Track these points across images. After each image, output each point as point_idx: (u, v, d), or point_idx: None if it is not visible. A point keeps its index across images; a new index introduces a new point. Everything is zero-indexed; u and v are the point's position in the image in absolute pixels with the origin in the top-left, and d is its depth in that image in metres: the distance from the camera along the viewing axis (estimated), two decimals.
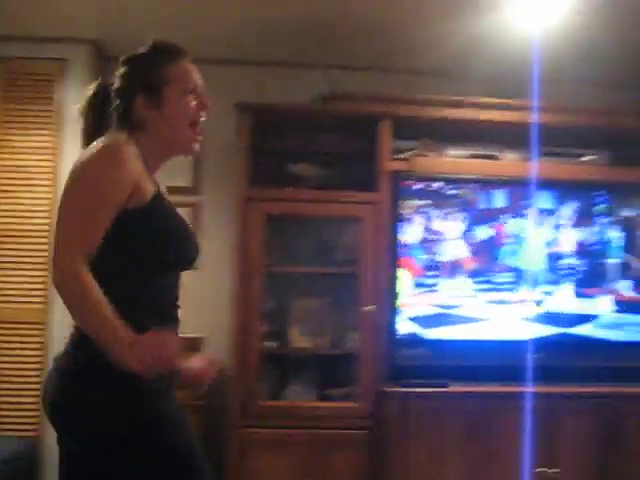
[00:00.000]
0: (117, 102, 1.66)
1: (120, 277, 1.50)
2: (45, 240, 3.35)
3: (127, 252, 1.51)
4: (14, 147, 3.41)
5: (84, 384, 1.47)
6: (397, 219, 3.17)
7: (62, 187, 3.37)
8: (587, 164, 3.41)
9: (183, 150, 1.72)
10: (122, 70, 1.69)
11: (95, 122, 1.71)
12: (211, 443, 3.23)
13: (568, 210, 3.30)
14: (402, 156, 3.28)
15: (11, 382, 3.29)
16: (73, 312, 1.43)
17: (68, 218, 1.47)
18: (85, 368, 1.48)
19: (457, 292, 3.18)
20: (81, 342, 1.47)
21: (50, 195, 3.39)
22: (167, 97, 1.64)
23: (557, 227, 3.29)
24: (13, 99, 3.43)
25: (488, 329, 3.19)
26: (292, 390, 3.15)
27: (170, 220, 1.61)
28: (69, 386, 1.49)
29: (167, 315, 1.60)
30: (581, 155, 3.43)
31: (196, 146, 1.72)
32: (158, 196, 1.58)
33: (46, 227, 3.36)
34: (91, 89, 1.74)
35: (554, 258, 3.27)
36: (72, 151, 3.41)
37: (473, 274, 3.20)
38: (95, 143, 1.55)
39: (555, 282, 3.27)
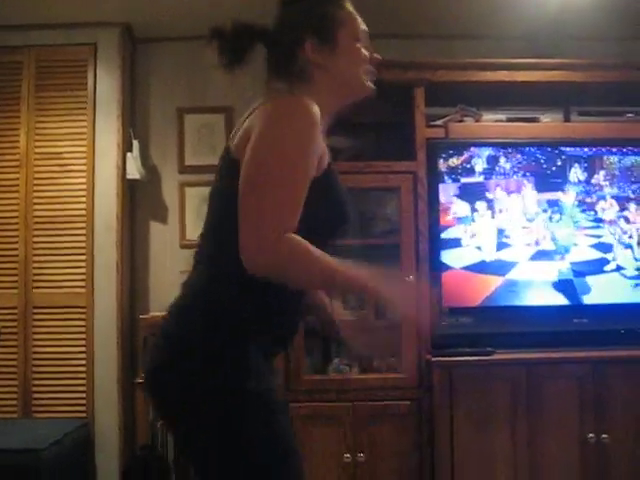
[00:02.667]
0: (278, 48, 1.50)
1: None
2: (83, 225, 3.39)
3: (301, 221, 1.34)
4: (49, 134, 3.43)
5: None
6: (435, 186, 3.12)
7: (97, 171, 3.42)
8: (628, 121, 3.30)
9: (358, 91, 1.56)
10: (285, 11, 1.53)
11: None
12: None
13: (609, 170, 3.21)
14: (438, 123, 3.22)
15: (59, 366, 3.35)
16: (307, 285, 1.39)
17: (272, 189, 1.30)
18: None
19: (505, 256, 3.13)
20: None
21: (86, 180, 3.41)
22: (341, 42, 1.50)
23: (599, 189, 3.20)
24: (46, 87, 3.45)
25: (535, 294, 3.14)
26: (336, 363, 3.14)
27: (340, 189, 1.49)
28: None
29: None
30: (624, 113, 3.33)
31: (371, 85, 1.57)
32: (330, 162, 1.46)
33: (83, 212, 3.40)
34: (226, 29, 1.51)
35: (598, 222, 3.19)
36: (106, 136, 3.44)
37: (520, 240, 3.14)
38: (270, 102, 1.39)
39: (603, 246, 3.19)
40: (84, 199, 3.42)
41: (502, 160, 3.16)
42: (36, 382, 3.33)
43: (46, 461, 2.78)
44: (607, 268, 3.17)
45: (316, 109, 1.37)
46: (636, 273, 3.18)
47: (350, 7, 1.55)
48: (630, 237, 3.19)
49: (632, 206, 3.20)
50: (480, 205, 3.14)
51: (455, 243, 3.12)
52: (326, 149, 1.45)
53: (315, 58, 1.48)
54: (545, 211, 3.16)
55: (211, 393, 1.34)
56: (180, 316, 1.42)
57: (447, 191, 3.13)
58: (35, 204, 3.40)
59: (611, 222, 3.19)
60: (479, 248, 3.12)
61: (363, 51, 1.54)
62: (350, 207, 1.53)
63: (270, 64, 1.53)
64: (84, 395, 3.30)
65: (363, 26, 1.56)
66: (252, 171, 1.32)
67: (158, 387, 1.40)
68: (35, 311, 3.37)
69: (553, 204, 3.17)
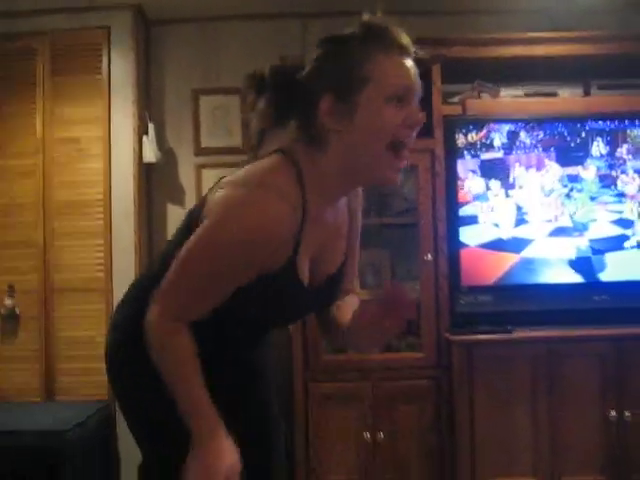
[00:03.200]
0: (299, 100, 1.25)
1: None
2: (101, 209, 3.40)
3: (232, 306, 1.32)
4: (65, 119, 3.44)
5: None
6: (453, 164, 3.09)
7: (113, 156, 3.42)
8: None
9: (377, 180, 1.28)
10: (315, 54, 1.26)
11: (276, 116, 1.31)
12: (278, 399, 3.28)
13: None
14: (455, 100, 3.18)
15: (81, 349, 3.38)
16: (161, 371, 1.31)
17: (184, 277, 1.28)
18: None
19: (521, 233, 3.10)
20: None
21: (102, 165, 3.42)
22: (363, 102, 1.20)
23: (622, 163, 3.15)
24: (61, 71, 3.44)
25: (553, 271, 3.11)
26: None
27: (288, 292, 1.34)
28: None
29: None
30: None
31: (397, 176, 1.28)
32: (289, 264, 1.29)
33: (101, 196, 3.41)
34: (265, 72, 1.31)
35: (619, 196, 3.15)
36: (121, 120, 3.44)
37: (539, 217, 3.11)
38: (254, 168, 1.26)
39: (623, 222, 3.15)
40: (101, 183, 3.43)
41: (522, 135, 3.11)
42: (58, 365, 3.37)
43: (70, 442, 2.81)
44: (627, 244, 3.13)
45: (284, 207, 1.21)
46: None
47: (398, 56, 1.24)
48: None
49: None
50: (498, 182, 3.10)
51: (472, 220, 3.09)
52: (287, 254, 1.28)
53: (329, 120, 1.22)
54: (565, 186, 3.12)
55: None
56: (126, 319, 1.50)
57: (465, 168, 3.09)
58: (53, 189, 3.41)
59: (632, 197, 3.14)
60: (497, 225, 3.10)
61: (396, 116, 1.22)
62: (295, 309, 1.45)
63: (294, 116, 1.29)
64: (105, 377, 3.32)
65: (406, 79, 1.23)
66: (182, 255, 1.29)
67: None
68: (56, 295, 3.40)
69: (573, 179, 3.13)
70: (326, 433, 3.03)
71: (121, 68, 3.46)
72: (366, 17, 1.28)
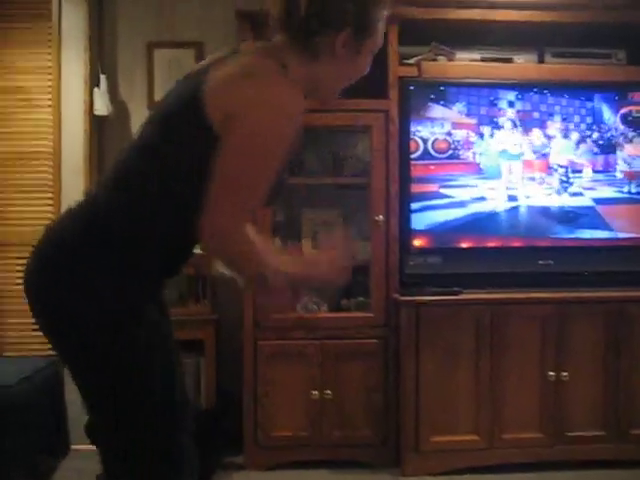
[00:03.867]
0: (316, 19, 1.40)
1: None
2: (49, 163, 3.33)
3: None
4: (13, 67, 3.34)
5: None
6: (407, 126, 3.10)
7: (63, 106, 3.34)
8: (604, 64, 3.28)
9: (324, 100, 1.60)
10: None
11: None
12: (228, 356, 3.31)
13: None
14: (411, 61, 3.17)
15: (22, 304, 3.32)
16: (243, 272, 1.45)
17: (235, 187, 1.35)
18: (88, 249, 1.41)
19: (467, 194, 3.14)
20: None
21: (52, 116, 3.34)
22: (364, 50, 1.47)
23: (570, 130, 3.21)
24: (8, 18, 3.34)
25: (502, 235, 3.17)
26: (305, 302, 3.16)
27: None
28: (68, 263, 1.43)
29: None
30: (599, 55, 3.29)
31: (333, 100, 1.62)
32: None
33: (50, 149, 3.33)
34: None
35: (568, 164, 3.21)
36: (72, 70, 3.35)
37: (486, 177, 3.15)
38: (267, 65, 1.38)
39: (567, 182, 3.21)
40: (50, 135, 3.36)
41: (476, 99, 3.14)
42: (5, 320, 3.32)
43: (16, 397, 2.79)
44: (573, 211, 3.21)
45: (300, 106, 1.39)
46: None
47: (385, 17, 1.50)
48: None
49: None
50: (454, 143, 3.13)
51: (424, 180, 3.12)
52: None
53: (340, 50, 1.43)
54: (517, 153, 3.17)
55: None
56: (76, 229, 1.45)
57: (419, 130, 3.11)
58: None
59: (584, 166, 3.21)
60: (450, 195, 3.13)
61: (368, 65, 1.52)
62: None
63: (290, 23, 1.43)
64: None
65: (381, 41, 1.52)
66: (233, 167, 1.35)
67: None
68: (1, 249, 3.33)
69: (529, 144, 3.17)
70: (274, 390, 3.06)
71: (72, 16, 3.37)
72: None
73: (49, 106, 3.34)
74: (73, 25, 3.36)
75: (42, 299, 1.47)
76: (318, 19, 1.41)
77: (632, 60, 3.30)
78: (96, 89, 3.38)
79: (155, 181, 1.41)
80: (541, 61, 3.29)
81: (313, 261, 1.52)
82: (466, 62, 3.22)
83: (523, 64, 3.26)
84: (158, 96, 3.52)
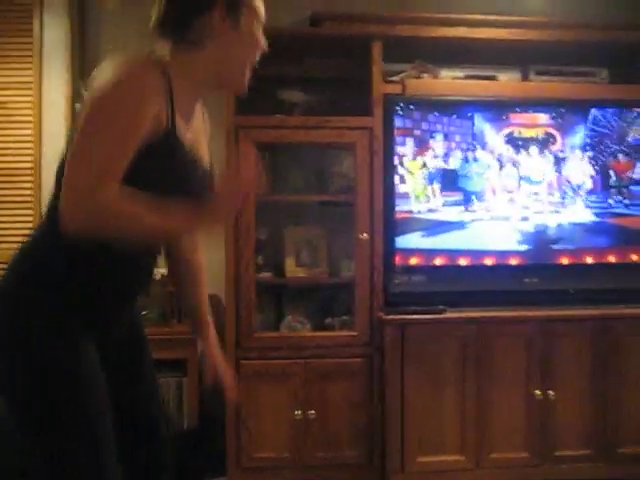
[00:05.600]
0: (184, 5, 1.44)
1: None
2: (30, 178, 3.28)
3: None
4: None
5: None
6: (391, 144, 3.08)
7: (44, 122, 3.30)
8: (587, 82, 3.29)
9: (234, 85, 1.55)
10: None
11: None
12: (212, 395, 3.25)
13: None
14: (395, 79, 3.17)
15: None
16: (127, 233, 1.35)
17: (95, 145, 1.31)
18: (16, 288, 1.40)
19: (453, 214, 3.13)
20: (18, 261, 1.43)
21: (32, 131, 3.29)
22: (244, 21, 1.47)
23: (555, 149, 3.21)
24: None
25: (485, 253, 3.16)
26: (289, 321, 3.13)
27: (178, 160, 1.46)
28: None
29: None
30: (580, 73, 3.31)
31: (246, 86, 1.56)
32: (171, 127, 1.42)
33: (30, 164, 3.29)
34: None
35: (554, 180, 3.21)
36: (53, 85, 3.31)
37: (469, 197, 3.14)
38: (120, 61, 1.38)
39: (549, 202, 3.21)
40: (31, 151, 3.31)
41: (460, 117, 3.14)
42: None
43: None
44: (555, 229, 3.20)
45: (153, 84, 1.36)
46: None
47: None
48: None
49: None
50: (437, 162, 3.12)
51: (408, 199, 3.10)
52: (166, 119, 1.40)
53: (218, 27, 1.44)
54: (502, 167, 3.17)
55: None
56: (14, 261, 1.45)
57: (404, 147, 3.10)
58: None
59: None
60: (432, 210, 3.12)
61: (261, 38, 1.52)
62: (189, 178, 1.49)
63: (166, 18, 1.46)
64: None
65: (264, 15, 1.54)
66: (81, 125, 1.34)
67: None
68: None
69: (512, 163, 3.17)
70: (257, 411, 3.02)
71: (54, 31, 3.33)
72: None
73: (30, 122, 3.30)
74: (55, 40, 3.33)
75: None
76: (181, 6, 1.43)
77: (614, 79, 3.32)
78: (77, 105, 3.34)
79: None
80: (525, 79, 3.30)
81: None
82: (450, 79, 3.22)
83: (507, 82, 3.26)
84: None
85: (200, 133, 1.61)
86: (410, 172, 3.09)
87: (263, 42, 1.53)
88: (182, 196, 1.41)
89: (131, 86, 1.34)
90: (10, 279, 1.42)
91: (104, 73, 1.38)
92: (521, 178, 3.18)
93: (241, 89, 1.54)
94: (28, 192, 3.29)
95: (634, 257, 3.23)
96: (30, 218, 3.29)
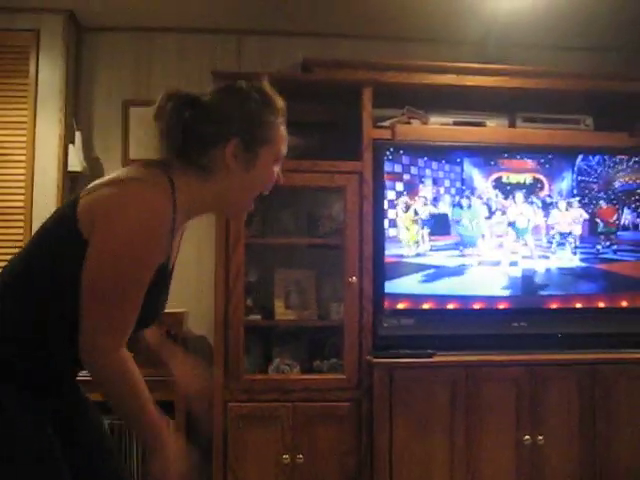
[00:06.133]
0: (201, 130, 1.38)
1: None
2: (21, 217, 3.29)
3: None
4: None
5: None
6: (381, 188, 3.12)
7: (37, 162, 3.30)
8: (572, 129, 3.36)
9: (234, 214, 1.60)
10: (223, 98, 1.42)
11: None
12: (197, 418, 3.22)
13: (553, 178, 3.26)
14: (385, 124, 3.22)
15: None
16: (112, 396, 1.36)
17: (106, 297, 1.31)
18: None
19: (442, 259, 3.15)
20: None
21: (25, 171, 3.31)
22: (260, 158, 1.42)
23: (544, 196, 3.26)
24: None
25: (473, 297, 3.17)
26: (277, 363, 3.11)
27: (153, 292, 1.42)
28: None
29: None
30: (566, 121, 3.38)
31: (245, 215, 1.59)
32: (167, 258, 1.41)
33: (22, 204, 3.29)
34: (176, 97, 1.40)
35: (542, 227, 3.24)
36: (47, 126, 3.35)
37: (458, 242, 3.17)
38: (127, 169, 1.38)
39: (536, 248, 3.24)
40: (23, 191, 3.32)
41: (449, 162, 3.18)
42: None
43: None
44: (542, 275, 3.23)
45: (164, 208, 1.33)
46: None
47: (283, 125, 1.47)
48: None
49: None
50: (426, 206, 3.15)
51: (398, 245, 3.13)
52: (167, 249, 1.39)
53: (231, 161, 1.40)
54: (491, 215, 3.20)
55: None
56: None
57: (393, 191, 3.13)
58: None
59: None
60: (420, 254, 3.15)
61: (275, 173, 1.48)
62: (160, 292, 1.47)
63: (177, 139, 1.40)
64: None
65: (285, 149, 1.49)
66: (98, 275, 1.31)
67: None
68: None
69: (501, 210, 3.21)
70: (245, 454, 2.98)
71: (49, 73, 3.37)
72: (263, 81, 1.47)
73: (23, 162, 3.32)
74: (50, 82, 3.37)
75: None
76: (198, 138, 1.39)
77: (598, 126, 3.39)
78: (71, 146, 3.37)
79: (26, 289, 1.37)
80: (512, 125, 3.36)
81: (171, 458, 1.41)
82: (439, 125, 3.28)
83: (495, 128, 3.32)
84: (133, 154, 3.53)
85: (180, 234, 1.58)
86: (399, 217, 3.13)
87: (276, 175, 1.48)
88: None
89: (149, 233, 1.32)
90: None
91: (111, 190, 1.35)
92: (509, 223, 3.22)
93: (240, 217, 1.55)
94: (19, 231, 3.29)
95: (623, 303, 3.26)
96: None
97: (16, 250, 3.20)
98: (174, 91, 1.42)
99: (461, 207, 3.18)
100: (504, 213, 3.21)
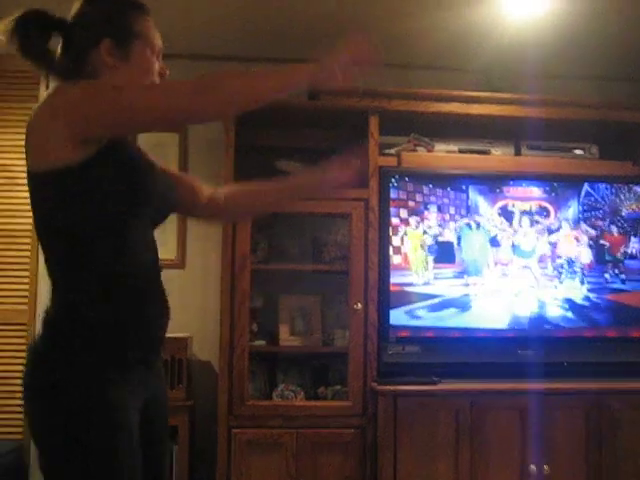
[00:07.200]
0: (73, 43, 1.50)
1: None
2: (29, 240, 3.31)
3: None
4: None
5: (47, 369, 1.41)
6: (387, 215, 3.13)
7: None
8: (578, 158, 3.38)
9: None
10: (84, 8, 1.53)
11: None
12: (201, 444, 3.21)
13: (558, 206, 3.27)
14: (391, 152, 3.24)
15: None
16: (249, 94, 1.43)
17: (127, 95, 1.40)
18: (50, 353, 1.42)
19: (446, 287, 3.15)
20: (47, 326, 1.45)
21: None
22: (135, 51, 1.53)
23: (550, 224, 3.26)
24: None
25: (480, 325, 3.17)
26: (282, 389, 3.11)
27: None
28: (34, 371, 1.43)
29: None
30: (572, 149, 3.40)
31: None
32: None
33: (29, 227, 3.32)
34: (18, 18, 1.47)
35: (549, 254, 3.25)
36: None
37: (463, 270, 3.17)
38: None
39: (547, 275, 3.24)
40: (29, 214, 3.33)
41: (454, 190, 3.19)
42: None
43: None
44: (552, 302, 3.22)
45: None
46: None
47: (151, 19, 1.58)
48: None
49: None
50: (431, 234, 3.16)
51: (403, 272, 3.13)
52: None
53: (108, 59, 1.50)
54: (495, 244, 3.21)
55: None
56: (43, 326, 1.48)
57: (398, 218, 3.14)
58: None
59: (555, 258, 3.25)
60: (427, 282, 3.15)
61: (156, 64, 1.58)
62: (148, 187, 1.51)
63: (60, 62, 1.51)
64: (21, 416, 3.20)
65: (159, 42, 1.59)
66: (98, 103, 1.39)
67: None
68: None
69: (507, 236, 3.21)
70: None
71: None
72: None
73: None
74: None
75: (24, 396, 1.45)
76: (76, 46, 1.51)
77: (604, 155, 3.41)
78: None
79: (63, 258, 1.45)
80: (517, 153, 3.38)
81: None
82: (445, 153, 3.30)
83: (500, 156, 3.34)
84: None
85: None
86: (404, 244, 3.13)
87: (158, 67, 1.58)
88: (145, 203, 1.49)
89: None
90: (45, 344, 1.45)
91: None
92: (515, 251, 3.22)
93: None
94: (26, 254, 3.32)
95: (634, 333, 3.24)
96: (27, 280, 3.31)
97: (23, 272, 3.28)
98: (32, 14, 1.49)
99: (467, 234, 3.18)
100: (510, 241, 3.22)
